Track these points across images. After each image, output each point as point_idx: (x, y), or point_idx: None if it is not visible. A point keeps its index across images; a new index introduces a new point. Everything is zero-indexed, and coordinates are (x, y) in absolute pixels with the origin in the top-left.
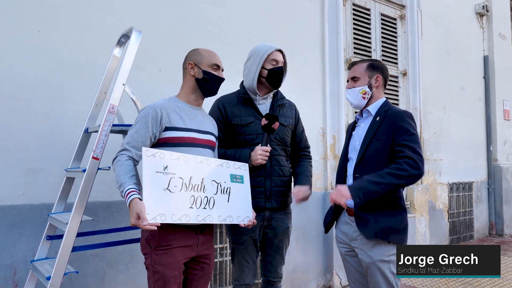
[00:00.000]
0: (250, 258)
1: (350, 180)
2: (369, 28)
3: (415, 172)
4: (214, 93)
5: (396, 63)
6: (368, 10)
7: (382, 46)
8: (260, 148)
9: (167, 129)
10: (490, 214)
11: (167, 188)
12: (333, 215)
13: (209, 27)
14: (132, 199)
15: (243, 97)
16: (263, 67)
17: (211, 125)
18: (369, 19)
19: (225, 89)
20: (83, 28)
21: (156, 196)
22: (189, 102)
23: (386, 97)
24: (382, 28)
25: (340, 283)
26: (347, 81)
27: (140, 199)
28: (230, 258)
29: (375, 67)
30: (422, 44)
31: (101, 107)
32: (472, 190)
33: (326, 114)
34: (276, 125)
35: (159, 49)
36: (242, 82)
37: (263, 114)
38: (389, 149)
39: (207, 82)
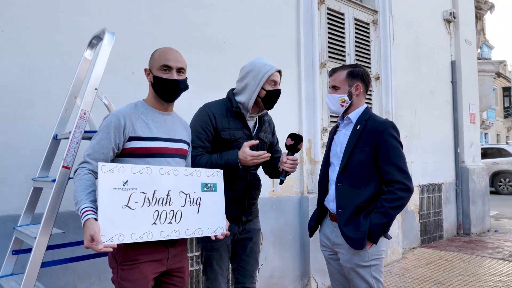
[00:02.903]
0: (224, 265)
1: (332, 186)
2: (343, 33)
3: (408, 195)
4: (171, 98)
5: (369, 67)
6: (342, 14)
7: (356, 50)
8: (250, 153)
9: (131, 139)
10: (458, 214)
11: (126, 205)
12: (316, 219)
13: (185, 30)
14: (87, 219)
15: (234, 110)
16: (262, 87)
17: (183, 132)
18: (343, 24)
19: (204, 94)
20: (53, 29)
21: (114, 215)
22: (156, 107)
23: None
24: (355, 32)
25: (317, 287)
26: (329, 87)
27: (96, 219)
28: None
29: (355, 75)
30: (394, 49)
31: (71, 113)
32: (441, 191)
33: (302, 118)
34: (301, 145)
35: (133, 51)
36: (231, 92)
37: (252, 131)
38: (373, 162)
39: (158, 88)
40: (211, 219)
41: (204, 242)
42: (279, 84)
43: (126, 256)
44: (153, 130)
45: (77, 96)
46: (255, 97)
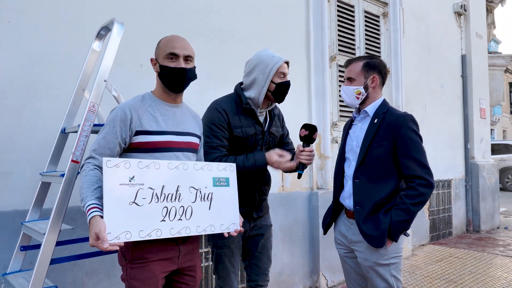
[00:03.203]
0: (236, 262)
1: (349, 181)
2: (353, 25)
3: (430, 191)
4: (179, 88)
5: None
6: (352, 6)
7: (366, 43)
8: (276, 160)
9: (138, 133)
10: (467, 211)
11: (133, 202)
12: (331, 215)
13: (193, 21)
14: (93, 217)
15: (244, 107)
16: (271, 81)
17: (194, 124)
18: (353, 16)
19: (211, 86)
20: (59, 20)
21: (120, 212)
22: (164, 99)
23: None
24: (365, 25)
25: (326, 284)
26: (344, 80)
27: (102, 217)
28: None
29: (371, 66)
30: (404, 42)
31: (80, 105)
32: (451, 188)
33: (312, 112)
34: (316, 135)
35: (141, 43)
36: (239, 87)
37: (263, 126)
38: (392, 156)
39: (164, 78)
40: (223, 215)
41: (215, 239)
42: (287, 76)
43: (135, 254)
44: (160, 123)
45: (85, 89)
46: (265, 91)
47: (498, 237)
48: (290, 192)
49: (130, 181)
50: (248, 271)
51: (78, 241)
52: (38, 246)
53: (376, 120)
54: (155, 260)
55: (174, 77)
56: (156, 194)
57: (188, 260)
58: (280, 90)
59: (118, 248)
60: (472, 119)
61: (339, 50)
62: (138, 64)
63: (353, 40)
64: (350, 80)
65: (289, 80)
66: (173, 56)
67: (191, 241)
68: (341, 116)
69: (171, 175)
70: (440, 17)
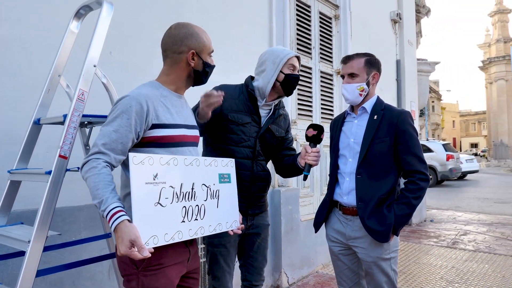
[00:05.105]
0: (232, 262)
1: (346, 178)
2: (309, 25)
3: (428, 185)
4: (205, 83)
5: (331, 62)
6: (309, 7)
7: (320, 43)
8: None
9: (154, 126)
10: None
11: (158, 202)
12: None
13: (164, 12)
14: (122, 222)
15: (248, 93)
16: (281, 71)
17: (193, 117)
18: (309, 16)
19: None
20: None
21: (147, 214)
22: (175, 90)
23: (322, 95)
24: (320, 26)
25: (288, 282)
26: (342, 76)
27: (130, 221)
28: (204, 261)
29: (372, 63)
30: (352, 44)
31: (54, 93)
32: None
33: None
34: (323, 135)
35: (111, 30)
36: (249, 78)
37: (262, 120)
38: (393, 152)
39: (205, 75)
40: (228, 213)
41: (211, 237)
42: (298, 71)
43: (150, 260)
44: (174, 115)
45: (61, 75)
46: (273, 81)
47: (428, 229)
48: None
49: (154, 179)
50: (243, 270)
51: (52, 248)
52: (4, 257)
53: (376, 117)
54: (170, 265)
55: (210, 74)
56: (176, 193)
57: (194, 262)
58: (288, 81)
59: (150, 255)
60: None
61: (298, 49)
62: (107, 51)
63: (310, 40)
64: (352, 76)
65: (299, 75)
66: (212, 53)
67: (195, 241)
68: (299, 114)
69: (187, 172)
70: (380, 23)
